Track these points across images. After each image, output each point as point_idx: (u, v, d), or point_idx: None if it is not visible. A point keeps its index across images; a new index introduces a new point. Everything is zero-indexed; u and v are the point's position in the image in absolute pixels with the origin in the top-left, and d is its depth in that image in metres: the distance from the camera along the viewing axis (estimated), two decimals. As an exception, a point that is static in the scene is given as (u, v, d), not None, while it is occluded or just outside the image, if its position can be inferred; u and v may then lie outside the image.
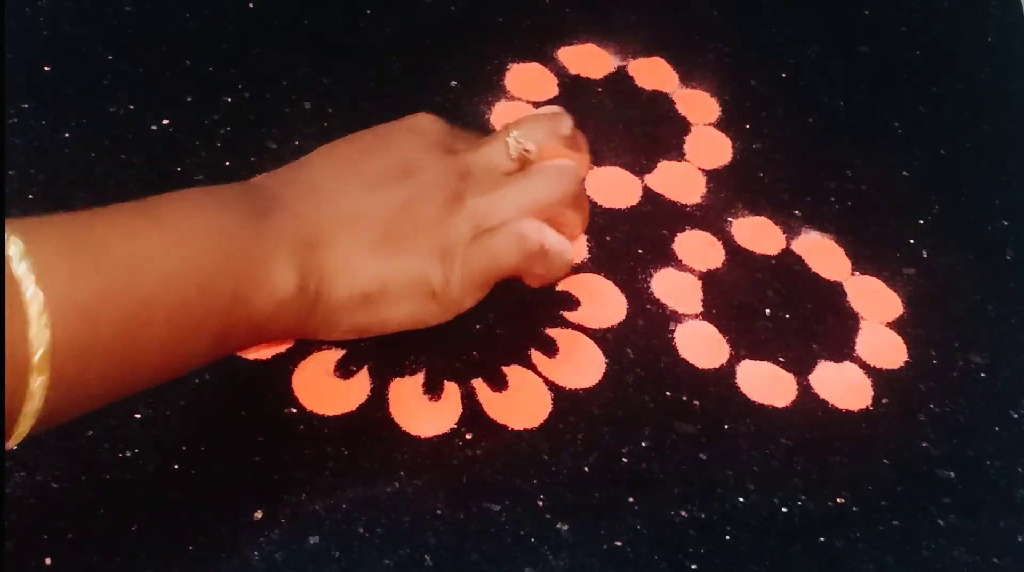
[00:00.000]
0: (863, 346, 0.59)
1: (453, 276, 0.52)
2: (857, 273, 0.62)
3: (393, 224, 0.51)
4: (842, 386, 0.57)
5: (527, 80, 0.69)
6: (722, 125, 0.69)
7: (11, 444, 0.41)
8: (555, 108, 0.56)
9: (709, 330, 0.59)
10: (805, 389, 0.57)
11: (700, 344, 0.58)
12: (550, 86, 0.69)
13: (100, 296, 0.41)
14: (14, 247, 0.40)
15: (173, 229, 0.45)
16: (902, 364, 0.59)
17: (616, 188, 0.64)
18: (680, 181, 0.66)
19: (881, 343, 0.59)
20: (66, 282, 0.40)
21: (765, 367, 0.58)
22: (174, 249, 0.44)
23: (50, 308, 0.39)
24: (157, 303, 0.43)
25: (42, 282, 0.39)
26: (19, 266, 0.39)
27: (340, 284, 0.50)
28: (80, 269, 0.41)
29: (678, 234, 0.63)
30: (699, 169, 0.66)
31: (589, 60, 0.71)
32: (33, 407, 0.40)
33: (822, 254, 0.63)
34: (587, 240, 0.62)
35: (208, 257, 0.45)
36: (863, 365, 0.58)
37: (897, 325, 0.60)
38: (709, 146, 0.68)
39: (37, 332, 0.39)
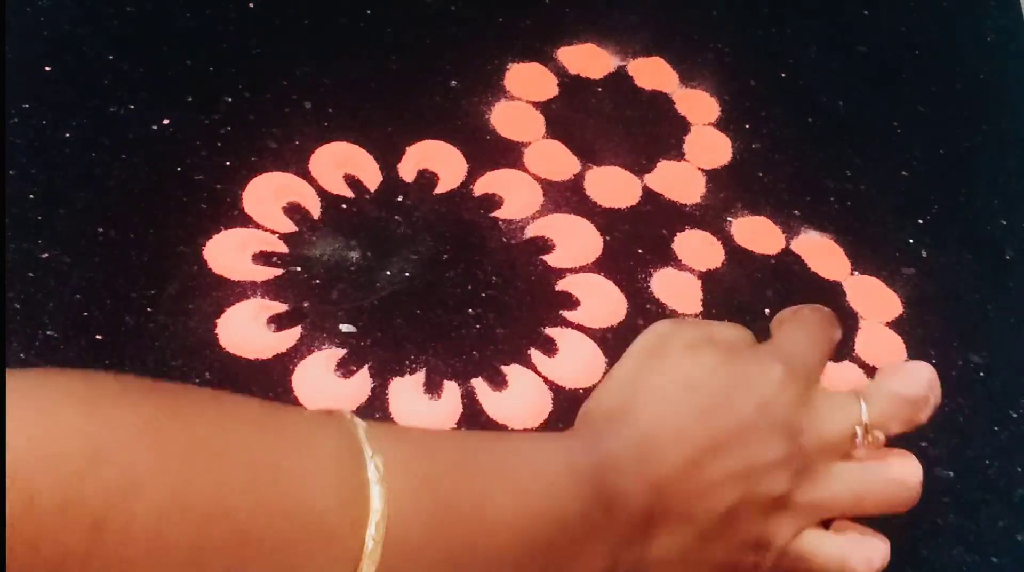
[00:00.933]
0: (863, 345, 0.59)
1: (764, 565, 0.48)
2: (856, 273, 0.62)
3: (720, 520, 0.46)
4: (842, 385, 0.57)
5: (527, 80, 0.69)
6: (722, 125, 0.69)
7: None
8: (921, 386, 0.50)
9: (708, 330, 0.59)
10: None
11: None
12: (550, 86, 0.69)
13: (431, 521, 0.41)
14: (366, 449, 0.40)
15: (522, 481, 0.44)
16: (901, 364, 0.59)
17: (616, 188, 0.64)
18: (680, 181, 0.66)
19: (880, 343, 0.59)
20: (405, 499, 0.40)
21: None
22: (515, 503, 0.43)
23: (387, 539, 0.39)
24: (480, 548, 0.42)
25: (385, 484, 0.39)
26: (373, 489, 0.39)
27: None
28: (419, 495, 0.41)
29: (678, 234, 0.63)
30: (699, 169, 0.66)
31: (589, 60, 0.71)
32: None
33: (821, 254, 0.63)
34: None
35: (539, 527, 0.43)
36: (862, 365, 0.58)
37: (896, 325, 0.60)
38: (709, 146, 0.68)
39: (373, 513, 0.39)
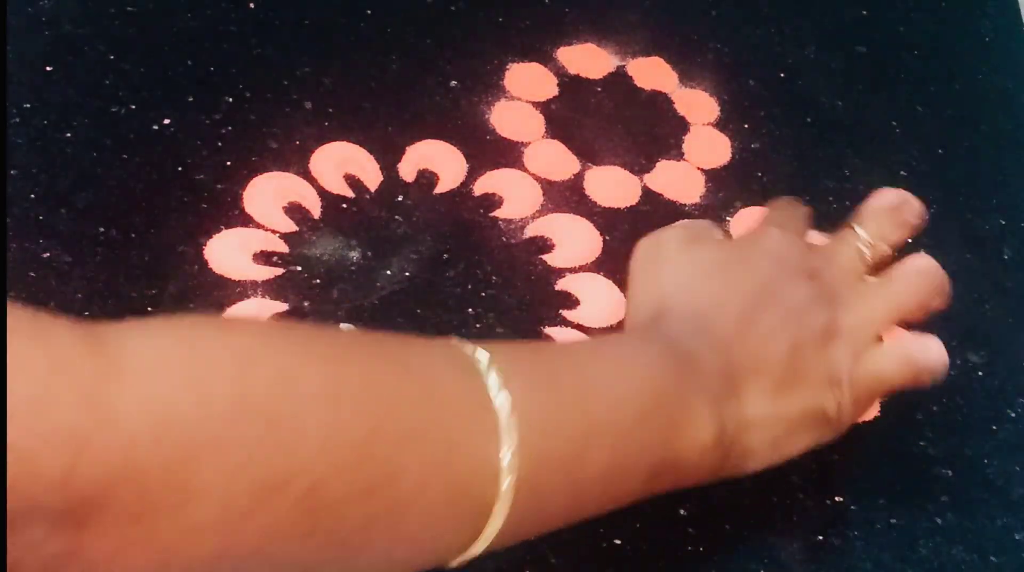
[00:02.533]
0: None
1: (845, 401, 0.51)
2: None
3: (786, 365, 0.50)
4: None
5: (527, 80, 0.69)
6: (721, 125, 0.69)
7: (475, 551, 0.42)
8: (893, 198, 0.55)
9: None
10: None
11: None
12: (550, 86, 0.69)
13: (556, 412, 0.43)
14: (481, 356, 0.42)
15: (617, 365, 0.47)
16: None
17: (615, 188, 0.65)
18: (679, 181, 0.66)
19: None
20: (527, 394, 0.41)
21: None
22: (618, 383, 0.46)
23: (517, 414, 0.40)
24: (603, 428, 0.44)
25: (509, 389, 0.41)
26: (488, 372, 0.41)
27: (753, 433, 0.49)
28: (539, 386, 0.43)
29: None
30: (698, 169, 0.66)
31: (589, 60, 0.71)
32: (502, 508, 0.41)
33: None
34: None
35: (645, 396, 0.46)
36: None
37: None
38: (708, 146, 0.68)
39: (507, 432, 0.40)
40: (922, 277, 0.53)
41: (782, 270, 0.52)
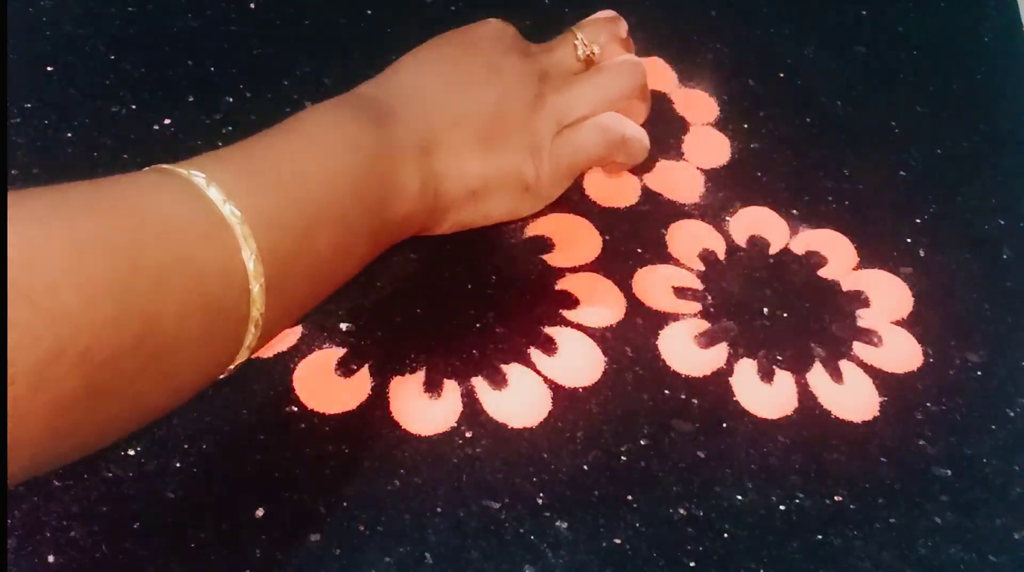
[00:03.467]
0: (861, 345, 0.59)
1: (543, 170, 0.56)
2: (854, 272, 0.62)
3: (488, 125, 0.55)
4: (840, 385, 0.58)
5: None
6: (720, 125, 0.69)
7: (241, 358, 0.45)
8: (610, 12, 0.62)
9: (707, 329, 0.59)
10: (803, 387, 0.57)
11: (698, 343, 0.58)
12: (549, 86, 0.69)
13: (280, 209, 0.45)
14: (199, 178, 0.43)
15: (322, 145, 0.50)
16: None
17: (615, 187, 0.65)
18: (679, 180, 0.66)
19: (879, 342, 0.60)
20: (252, 200, 0.44)
21: (763, 365, 0.58)
22: (327, 163, 0.49)
23: (249, 223, 0.43)
24: (324, 209, 0.47)
25: (233, 201, 0.43)
26: (209, 190, 0.43)
27: (451, 183, 0.54)
28: (259, 189, 0.45)
29: (671, 226, 0.63)
30: (697, 168, 0.67)
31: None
32: (257, 311, 0.43)
33: (820, 253, 0.63)
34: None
35: (355, 168, 0.50)
36: (860, 363, 0.58)
37: (894, 323, 0.61)
38: (707, 145, 0.68)
39: (245, 241, 0.42)
40: (624, 67, 0.60)
41: (499, 47, 0.58)
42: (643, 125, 0.62)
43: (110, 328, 0.37)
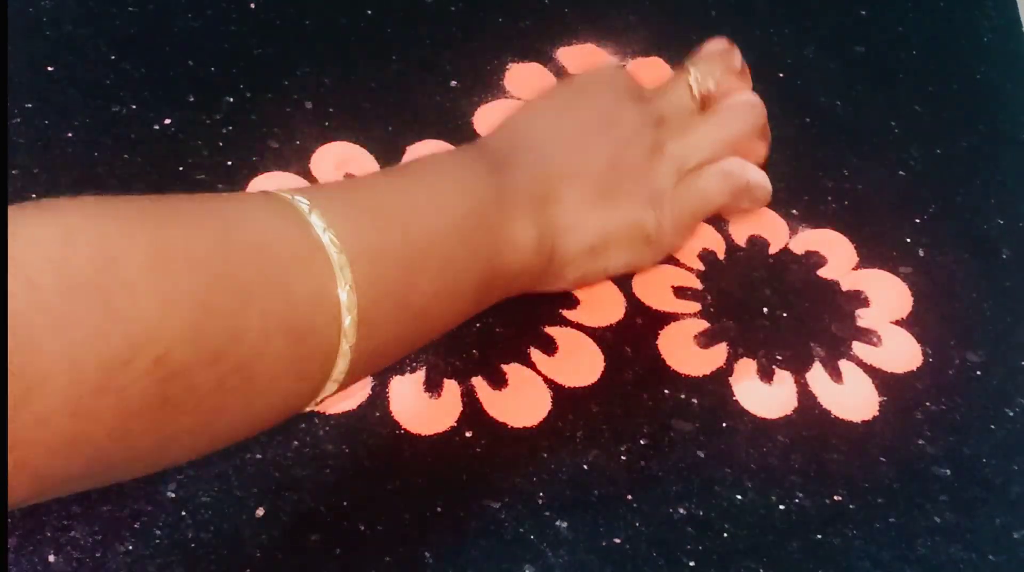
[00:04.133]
0: (860, 345, 0.59)
1: (665, 220, 0.55)
2: (854, 272, 0.63)
3: (607, 176, 0.53)
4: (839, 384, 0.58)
5: (527, 80, 0.69)
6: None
7: (328, 391, 0.44)
8: (723, 43, 0.60)
9: (707, 329, 0.59)
10: (802, 387, 0.57)
11: (698, 342, 0.58)
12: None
13: (382, 244, 0.44)
14: (303, 204, 0.42)
15: (433, 187, 0.49)
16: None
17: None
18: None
19: (878, 341, 0.60)
20: (353, 232, 0.43)
21: (762, 365, 0.58)
22: (437, 204, 0.48)
23: (347, 253, 0.42)
24: (428, 252, 0.46)
25: (333, 230, 0.42)
26: (311, 216, 0.42)
27: (571, 238, 0.53)
28: (361, 221, 0.44)
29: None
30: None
31: (588, 60, 0.71)
32: (347, 344, 0.42)
33: (819, 253, 0.63)
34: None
35: (464, 213, 0.48)
36: (860, 363, 0.59)
37: (894, 323, 0.61)
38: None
39: (341, 271, 0.41)
40: (744, 107, 0.58)
41: (613, 95, 0.56)
42: (762, 165, 0.60)
43: (187, 339, 0.37)
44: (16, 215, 0.35)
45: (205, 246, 0.39)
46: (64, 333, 0.34)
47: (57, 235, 0.35)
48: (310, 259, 0.41)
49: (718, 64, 0.59)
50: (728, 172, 0.56)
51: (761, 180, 0.58)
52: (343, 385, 0.44)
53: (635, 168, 0.54)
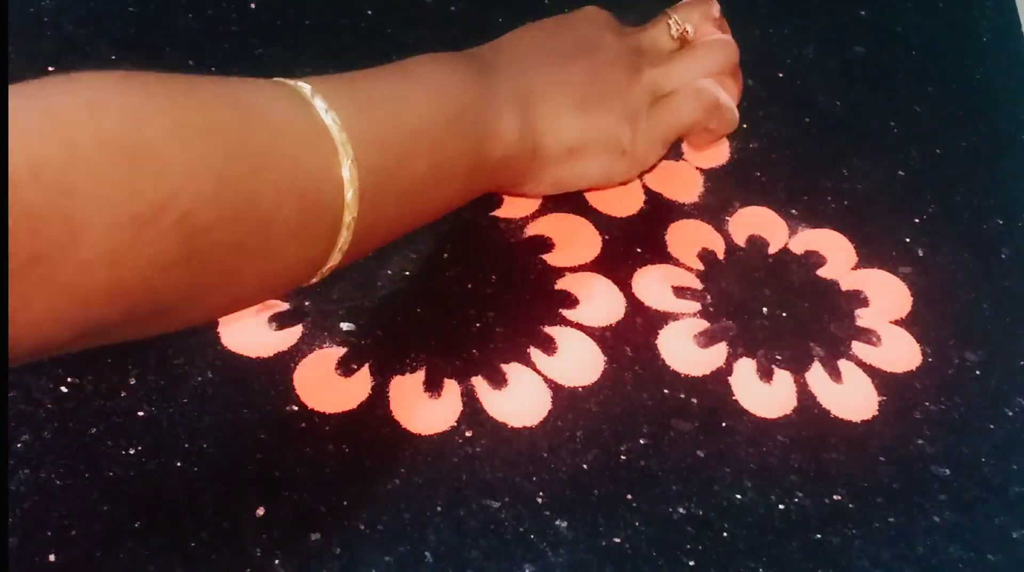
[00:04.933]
0: (860, 344, 0.59)
1: (639, 135, 0.59)
2: (854, 272, 0.63)
3: (587, 88, 0.58)
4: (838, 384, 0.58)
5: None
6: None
7: (333, 261, 0.48)
8: None
9: (706, 328, 0.59)
10: (802, 387, 0.57)
11: (697, 342, 0.59)
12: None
13: (378, 128, 0.48)
14: (305, 89, 0.47)
15: (425, 81, 0.53)
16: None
17: (617, 196, 0.65)
18: (678, 180, 0.66)
19: (878, 341, 0.60)
20: (353, 115, 0.47)
21: (762, 365, 0.58)
22: (428, 96, 0.52)
23: (346, 131, 0.46)
24: (420, 137, 0.50)
25: (334, 112, 0.46)
26: (314, 99, 0.47)
27: (550, 137, 0.57)
28: (360, 107, 0.48)
29: (676, 233, 0.63)
30: (697, 168, 0.67)
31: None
32: (350, 216, 0.46)
33: (819, 252, 0.63)
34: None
35: (453, 103, 0.53)
36: (859, 363, 0.59)
37: (893, 323, 0.61)
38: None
39: (342, 147, 0.46)
40: (717, 44, 0.63)
41: (594, 26, 0.61)
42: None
43: (208, 200, 0.40)
44: (49, 85, 0.39)
45: (221, 120, 0.43)
46: (101, 187, 0.37)
47: (89, 102, 0.39)
48: (315, 137, 0.45)
49: (696, 9, 0.64)
50: (701, 89, 0.61)
51: (730, 103, 0.62)
52: (347, 255, 0.48)
53: (613, 85, 0.59)
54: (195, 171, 0.40)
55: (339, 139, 0.46)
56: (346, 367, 0.55)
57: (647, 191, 0.65)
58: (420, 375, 0.55)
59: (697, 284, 0.61)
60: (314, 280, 0.48)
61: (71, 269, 0.36)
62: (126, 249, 0.37)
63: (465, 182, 0.54)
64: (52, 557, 0.48)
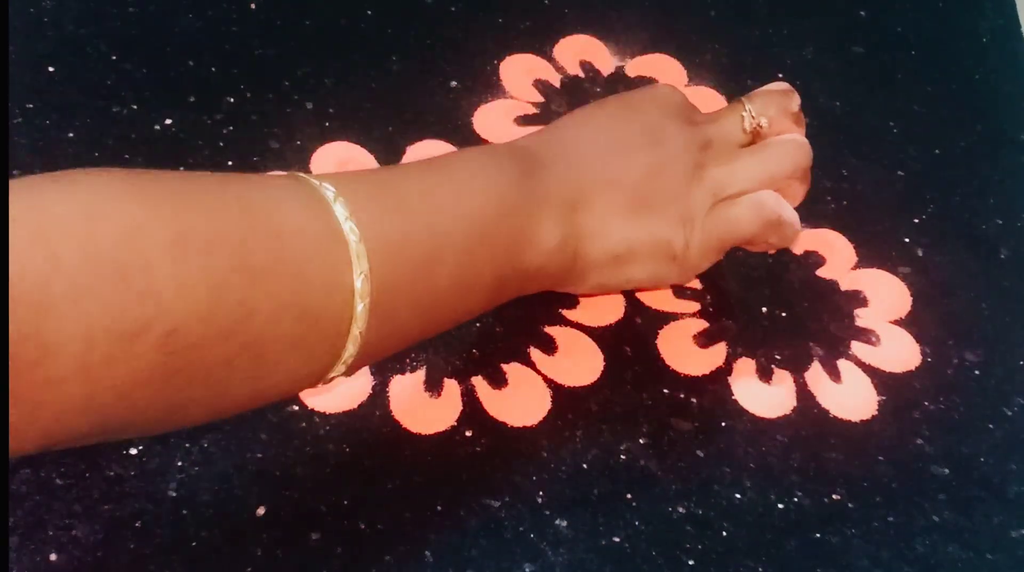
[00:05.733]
0: (859, 344, 0.59)
1: (693, 241, 0.54)
2: (853, 271, 0.63)
3: (642, 189, 0.53)
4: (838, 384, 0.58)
5: (520, 72, 0.69)
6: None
7: (337, 372, 0.45)
8: (784, 85, 0.59)
9: (706, 328, 0.59)
10: (801, 386, 0.57)
11: (697, 342, 0.59)
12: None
13: (402, 235, 0.45)
14: (328, 191, 0.43)
15: (460, 184, 0.49)
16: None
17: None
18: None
19: (877, 341, 0.60)
20: (375, 221, 0.44)
21: (761, 364, 0.58)
22: (462, 201, 0.48)
23: (365, 242, 0.43)
24: (448, 246, 0.47)
25: (355, 218, 0.43)
26: (335, 204, 0.43)
27: (595, 244, 0.53)
28: (385, 211, 0.45)
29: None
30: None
31: (588, 60, 0.71)
32: (358, 329, 0.43)
33: (818, 252, 0.63)
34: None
35: (489, 211, 0.49)
36: (858, 363, 0.59)
37: (892, 323, 0.61)
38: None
39: (357, 260, 0.42)
40: (791, 146, 0.57)
41: (662, 113, 0.56)
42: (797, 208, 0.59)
43: (199, 317, 0.38)
44: (42, 187, 0.37)
45: (226, 229, 0.40)
46: (81, 303, 0.35)
47: (82, 210, 0.37)
48: (328, 246, 0.42)
49: (774, 103, 0.58)
50: (762, 203, 0.56)
51: (793, 219, 0.57)
52: (351, 368, 0.45)
53: (672, 186, 0.54)
54: (188, 286, 0.38)
55: (356, 250, 0.43)
56: (346, 367, 0.55)
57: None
58: (420, 375, 0.56)
59: (697, 284, 0.61)
60: (317, 387, 0.46)
61: (38, 384, 0.35)
62: (102, 367, 0.36)
63: (492, 293, 0.51)
64: (52, 557, 0.48)
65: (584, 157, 0.53)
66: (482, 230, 0.48)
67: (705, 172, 0.55)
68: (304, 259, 0.42)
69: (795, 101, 0.58)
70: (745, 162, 0.56)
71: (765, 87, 0.60)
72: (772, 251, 0.60)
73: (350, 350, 0.44)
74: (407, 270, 0.45)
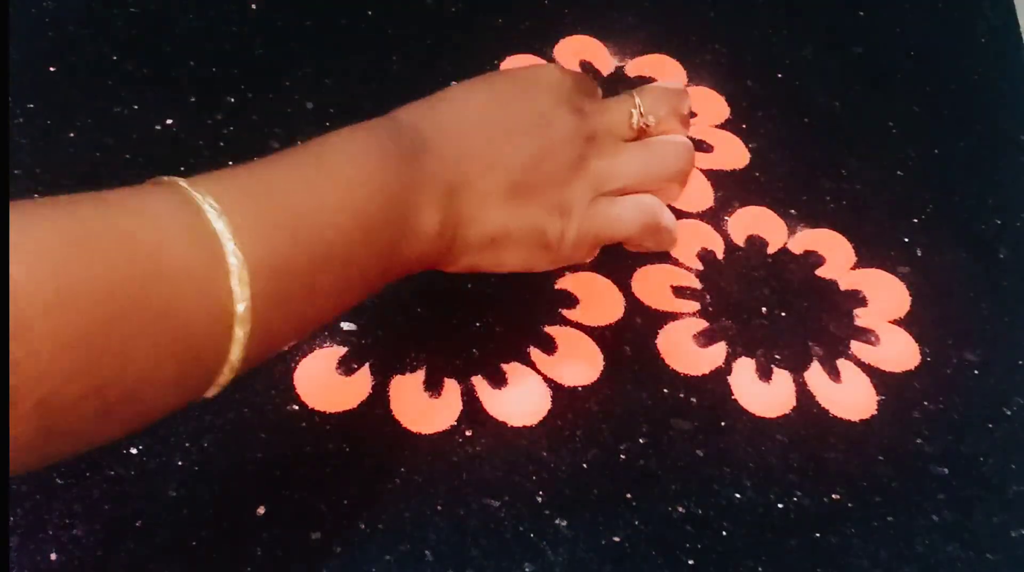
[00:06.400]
0: (859, 344, 0.60)
1: (569, 232, 0.54)
2: (852, 271, 0.63)
3: (524, 175, 0.52)
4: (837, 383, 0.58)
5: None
6: (720, 124, 0.69)
7: (213, 392, 0.43)
8: (678, 84, 0.59)
9: (706, 328, 0.59)
10: (801, 386, 0.57)
11: (697, 342, 0.59)
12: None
13: (287, 253, 0.43)
14: (212, 211, 0.41)
15: (343, 180, 0.47)
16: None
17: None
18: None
19: (876, 341, 0.60)
20: (260, 241, 0.42)
21: (761, 364, 0.58)
22: (346, 202, 0.46)
23: (249, 266, 0.41)
24: (334, 254, 0.45)
25: (239, 241, 0.41)
26: (218, 223, 0.41)
27: (473, 229, 0.52)
28: (271, 228, 0.43)
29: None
30: (696, 168, 0.67)
31: (584, 53, 0.71)
32: (236, 356, 0.42)
33: (818, 252, 0.63)
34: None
35: (372, 207, 0.47)
36: (858, 362, 0.59)
37: (892, 323, 0.61)
38: (717, 147, 0.68)
39: (241, 289, 0.41)
40: (675, 149, 0.56)
41: (552, 98, 0.54)
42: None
43: (74, 377, 0.36)
44: None
45: (108, 280, 0.38)
46: None
47: None
48: (212, 280, 0.41)
49: (666, 102, 0.57)
50: (645, 208, 0.55)
51: (672, 226, 0.56)
52: (224, 386, 0.44)
53: (554, 174, 0.54)
54: (64, 347, 0.36)
55: (239, 277, 0.41)
56: (347, 366, 0.56)
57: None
58: (420, 374, 0.56)
59: (696, 284, 0.61)
60: (211, 394, 0.44)
61: None
62: None
63: (373, 286, 0.50)
64: (53, 556, 0.48)
65: (467, 136, 0.53)
66: (366, 230, 0.47)
67: (588, 164, 0.55)
68: (188, 297, 0.40)
69: (685, 103, 0.58)
70: (628, 158, 0.56)
71: (659, 83, 0.59)
72: (645, 252, 0.59)
73: (227, 374, 0.43)
74: (289, 287, 0.44)
